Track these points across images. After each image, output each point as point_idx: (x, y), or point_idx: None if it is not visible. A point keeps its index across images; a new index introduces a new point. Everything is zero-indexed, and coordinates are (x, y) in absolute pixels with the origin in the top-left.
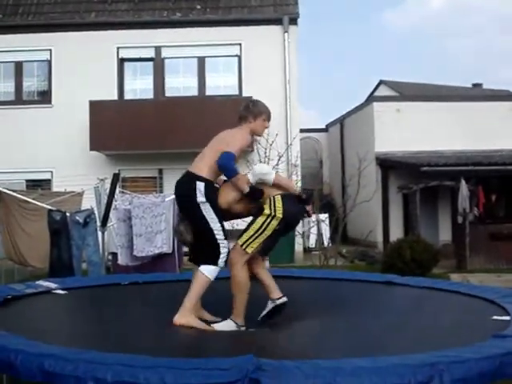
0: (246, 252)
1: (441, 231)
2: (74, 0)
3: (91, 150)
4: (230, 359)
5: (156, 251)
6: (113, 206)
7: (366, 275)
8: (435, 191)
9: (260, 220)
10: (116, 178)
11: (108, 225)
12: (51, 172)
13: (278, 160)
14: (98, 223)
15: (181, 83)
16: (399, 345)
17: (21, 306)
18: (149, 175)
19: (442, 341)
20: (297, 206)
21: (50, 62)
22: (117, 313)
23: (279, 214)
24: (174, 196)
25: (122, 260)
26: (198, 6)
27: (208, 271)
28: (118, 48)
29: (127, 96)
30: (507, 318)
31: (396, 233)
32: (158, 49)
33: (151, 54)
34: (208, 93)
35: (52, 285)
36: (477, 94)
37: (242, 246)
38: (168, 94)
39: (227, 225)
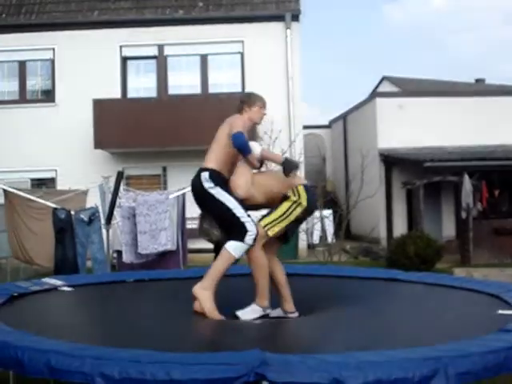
0: (267, 234)
1: (444, 226)
2: None
3: (95, 148)
4: (236, 354)
5: (160, 248)
6: (117, 204)
7: (370, 271)
8: (438, 187)
9: (286, 205)
10: (120, 175)
11: (112, 222)
12: (55, 171)
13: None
14: (103, 221)
15: (184, 81)
16: (403, 339)
17: (27, 303)
18: (153, 173)
19: (447, 335)
20: (315, 195)
21: (53, 60)
22: (123, 309)
23: (304, 202)
24: (178, 193)
25: (126, 258)
26: (201, 4)
27: (233, 248)
28: (120, 46)
29: (130, 94)
30: None
31: (400, 228)
32: (160, 47)
33: (154, 52)
34: (211, 90)
35: (58, 282)
36: (480, 89)
37: (264, 227)
38: (171, 91)
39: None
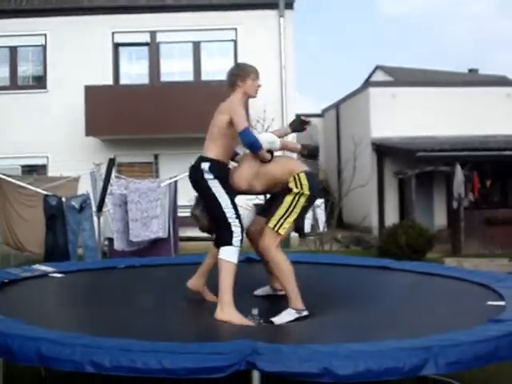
0: (279, 233)
1: (436, 216)
2: None
3: (87, 135)
4: (227, 343)
5: (152, 236)
6: (108, 191)
7: (361, 260)
8: (430, 176)
9: (288, 199)
10: (112, 163)
11: (104, 210)
12: (47, 157)
13: None
14: (94, 208)
15: (176, 68)
16: (394, 329)
17: (18, 290)
18: (144, 160)
19: (437, 324)
20: (316, 180)
21: (44, 46)
22: (114, 296)
23: (307, 191)
24: (169, 181)
25: (117, 245)
26: None
27: (226, 254)
28: (113, 33)
29: (122, 81)
30: (502, 303)
31: (391, 218)
32: (153, 33)
33: (146, 38)
34: (204, 78)
35: (48, 269)
36: (473, 79)
37: (273, 228)
38: (163, 78)
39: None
